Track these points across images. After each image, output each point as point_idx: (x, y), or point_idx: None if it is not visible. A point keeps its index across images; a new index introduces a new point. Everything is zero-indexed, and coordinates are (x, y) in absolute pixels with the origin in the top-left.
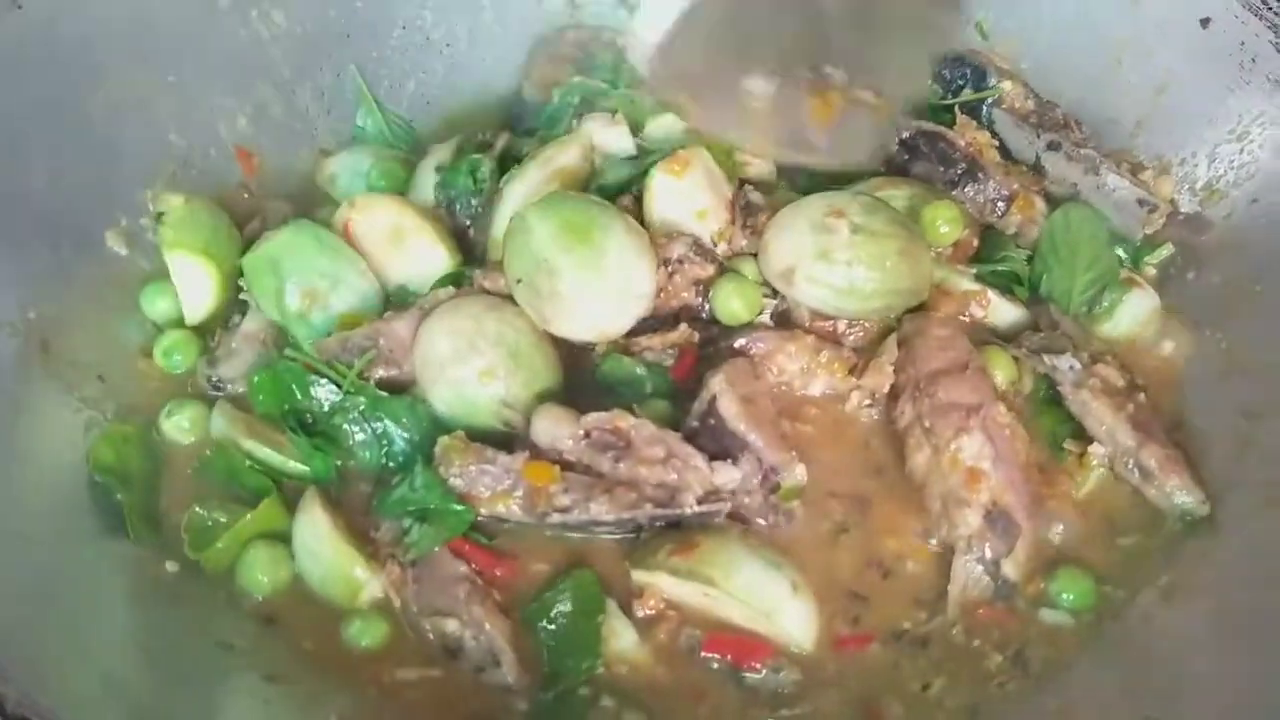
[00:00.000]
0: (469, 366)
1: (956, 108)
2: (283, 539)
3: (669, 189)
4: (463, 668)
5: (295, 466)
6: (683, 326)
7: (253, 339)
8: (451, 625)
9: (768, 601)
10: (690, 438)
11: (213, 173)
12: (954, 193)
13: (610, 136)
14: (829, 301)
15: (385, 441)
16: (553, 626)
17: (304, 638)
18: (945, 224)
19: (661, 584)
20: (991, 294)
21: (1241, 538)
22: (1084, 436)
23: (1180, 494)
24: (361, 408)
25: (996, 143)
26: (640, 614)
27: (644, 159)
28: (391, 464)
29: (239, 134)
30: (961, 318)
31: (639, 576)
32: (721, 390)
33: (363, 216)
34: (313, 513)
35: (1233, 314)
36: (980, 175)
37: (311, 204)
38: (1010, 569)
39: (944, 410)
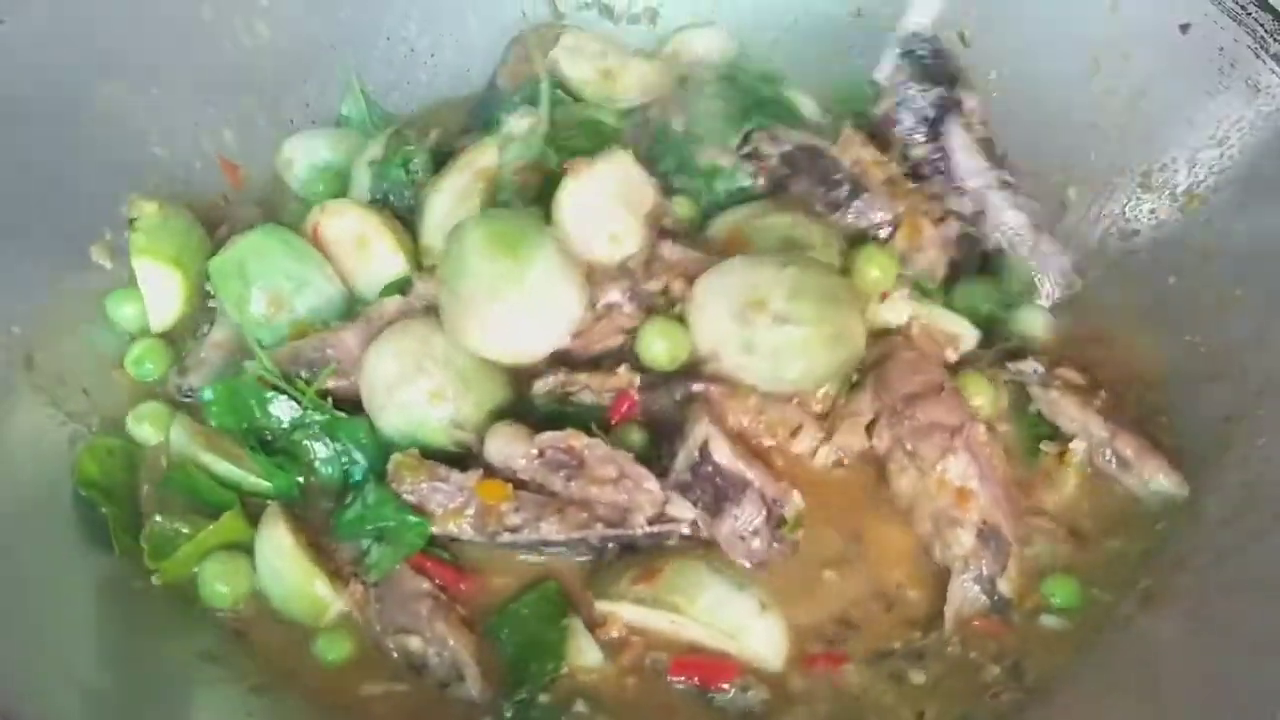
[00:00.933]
0: (417, 388)
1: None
2: (244, 550)
3: (580, 203)
4: (428, 683)
5: (256, 482)
6: (624, 369)
7: (221, 347)
8: (415, 643)
9: (733, 622)
10: (683, 489)
11: (197, 185)
12: (835, 215)
13: (521, 130)
14: (758, 383)
15: (347, 458)
16: (515, 633)
17: (273, 653)
18: (878, 270)
19: (625, 614)
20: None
21: (1219, 541)
22: (1058, 439)
23: (1159, 478)
24: (321, 424)
25: (889, 159)
26: (604, 639)
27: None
28: (355, 479)
29: (223, 146)
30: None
31: (602, 607)
32: (712, 434)
33: (331, 221)
34: (275, 531)
35: (1213, 318)
36: (865, 196)
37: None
38: (1005, 587)
39: (926, 432)
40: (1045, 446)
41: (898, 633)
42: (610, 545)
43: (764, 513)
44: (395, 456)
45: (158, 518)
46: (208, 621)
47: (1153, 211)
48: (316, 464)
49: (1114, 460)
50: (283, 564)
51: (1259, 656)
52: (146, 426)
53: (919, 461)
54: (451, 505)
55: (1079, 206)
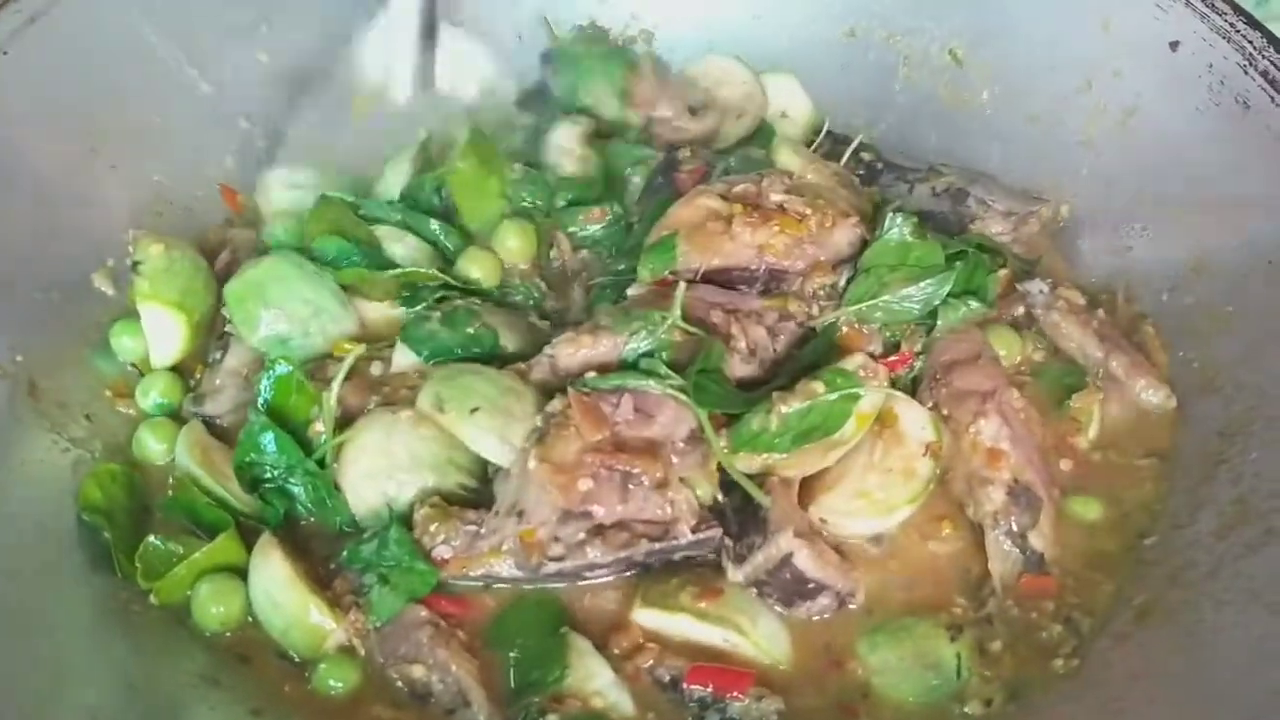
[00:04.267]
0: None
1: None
2: (238, 573)
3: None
4: (434, 712)
5: (249, 508)
6: None
7: (237, 374)
8: (418, 671)
9: (782, 649)
10: (757, 585)
11: (198, 211)
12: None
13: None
14: None
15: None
16: (513, 642)
17: (277, 678)
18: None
19: (679, 627)
20: None
21: (1213, 555)
22: (1086, 389)
23: (1147, 393)
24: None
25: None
26: (618, 647)
27: None
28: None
29: (225, 172)
30: None
31: (652, 616)
32: (797, 546)
33: None
34: (269, 560)
35: (1205, 334)
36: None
37: None
38: (1037, 541)
39: (961, 397)
40: (1074, 400)
41: (959, 603)
42: (654, 561)
43: (836, 604)
44: (422, 511)
45: (152, 538)
46: (208, 645)
47: (1145, 228)
48: (313, 508)
49: (1109, 380)
50: (280, 593)
51: (1254, 668)
52: (153, 443)
53: (954, 424)
54: (487, 545)
55: (1071, 223)
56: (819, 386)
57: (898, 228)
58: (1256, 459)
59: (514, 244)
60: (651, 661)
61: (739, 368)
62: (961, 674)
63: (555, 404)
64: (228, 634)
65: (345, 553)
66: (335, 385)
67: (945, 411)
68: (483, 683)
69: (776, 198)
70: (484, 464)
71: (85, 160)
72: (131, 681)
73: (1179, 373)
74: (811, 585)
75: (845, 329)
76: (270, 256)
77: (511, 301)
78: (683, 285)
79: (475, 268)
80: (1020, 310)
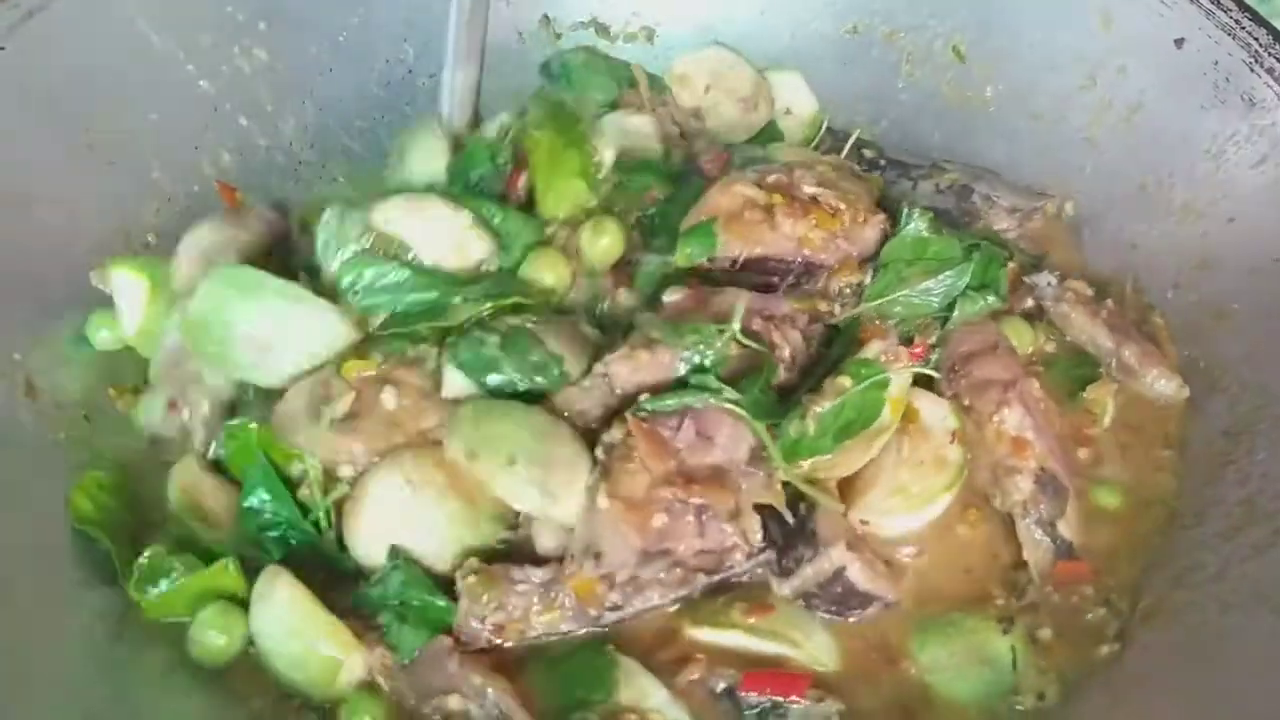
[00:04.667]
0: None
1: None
2: (239, 604)
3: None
4: None
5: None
6: None
7: (199, 406)
8: (454, 701)
9: (831, 655)
10: (805, 598)
11: (196, 208)
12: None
13: None
14: None
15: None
16: (554, 664)
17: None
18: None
19: (733, 643)
20: None
21: (1219, 556)
22: (1099, 381)
23: (1160, 382)
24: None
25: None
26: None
27: None
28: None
29: (222, 169)
30: None
31: (705, 634)
32: (850, 560)
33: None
34: (278, 584)
35: (1211, 332)
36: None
37: None
38: (1065, 530)
39: (982, 387)
40: (1088, 391)
41: (997, 594)
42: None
43: (883, 609)
44: (465, 582)
45: (148, 552)
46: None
47: (1149, 225)
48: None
49: (1121, 370)
50: (294, 618)
51: (1259, 672)
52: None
53: (975, 415)
54: (541, 604)
55: (1075, 220)
56: (846, 381)
57: (914, 223)
58: (1263, 459)
59: (607, 241)
60: (701, 673)
61: (780, 375)
62: (1017, 666)
63: (615, 433)
64: (227, 667)
65: (352, 598)
66: (313, 458)
67: (966, 402)
68: (522, 701)
69: (809, 190)
70: (515, 510)
71: (82, 156)
72: (131, 694)
73: (1184, 371)
74: (864, 599)
75: (864, 324)
76: (204, 282)
77: (562, 306)
78: (746, 296)
79: (550, 273)
80: (1029, 303)
